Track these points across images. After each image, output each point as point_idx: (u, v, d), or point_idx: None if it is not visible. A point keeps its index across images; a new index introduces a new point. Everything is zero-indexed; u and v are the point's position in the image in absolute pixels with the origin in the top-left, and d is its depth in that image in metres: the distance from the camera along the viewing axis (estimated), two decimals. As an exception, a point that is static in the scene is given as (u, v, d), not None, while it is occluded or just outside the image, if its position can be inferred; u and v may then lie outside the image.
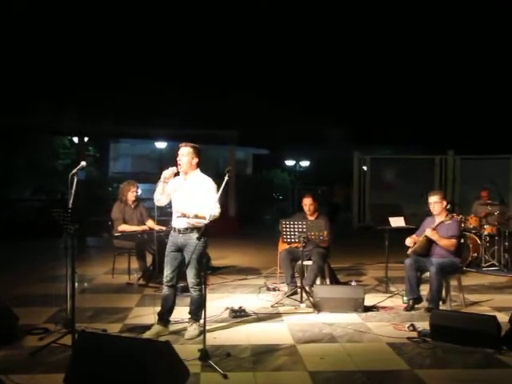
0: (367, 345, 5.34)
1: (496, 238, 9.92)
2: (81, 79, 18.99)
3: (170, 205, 5.71)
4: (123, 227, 8.20)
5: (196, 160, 5.53)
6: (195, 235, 5.26)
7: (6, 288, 7.55)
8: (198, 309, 5.50)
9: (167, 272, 5.57)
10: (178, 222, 5.51)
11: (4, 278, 8.41)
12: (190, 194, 5.47)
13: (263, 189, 26.04)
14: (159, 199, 5.60)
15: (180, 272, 5.62)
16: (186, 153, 5.48)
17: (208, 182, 5.53)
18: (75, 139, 19.94)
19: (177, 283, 5.69)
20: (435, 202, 6.78)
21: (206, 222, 4.95)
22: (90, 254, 11.84)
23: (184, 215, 5.39)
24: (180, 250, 5.51)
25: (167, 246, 5.62)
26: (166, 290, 5.61)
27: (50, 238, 8.57)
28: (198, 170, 5.59)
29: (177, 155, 5.54)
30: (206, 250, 5.60)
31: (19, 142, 18.62)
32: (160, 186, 5.48)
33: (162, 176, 5.42)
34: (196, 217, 5.26)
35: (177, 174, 5.54)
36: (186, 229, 5.43)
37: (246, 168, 33.61)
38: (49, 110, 17.16)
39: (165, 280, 5.60)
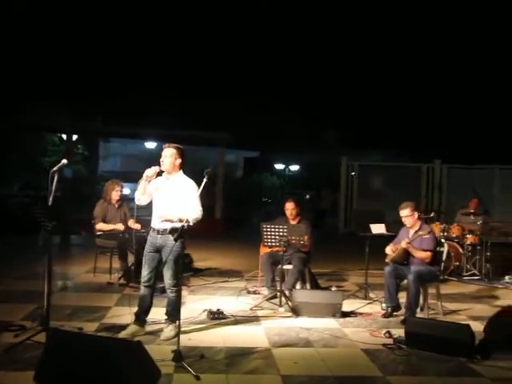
0: (342, 350, 5.37)
1: (478, 247, 9.99)
2: (73, 77, 18.98)
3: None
4: (100, 226, 8.19)
5: (179, 161, 5.54)
6: (173, 237, 5.26)
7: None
8: (174, 310, 5.50)
9: (145, 272, 5.58)
10: (157, 223, 5.52)
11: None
12: (171, 194, 5.47)
13: (252, 192, 26.10)
14: (140, 198, 5.61)
15: (158, 272, 5.62)
16: (169, 154, 5.50)
17: (190, 184, 5.53)
18: (64, 137, 19.91)
19: (154, 284, 5.69)
20: (406, 215, 6.80)
21: (185, 224, 4.95)
22: (72, 252, 11.81)
23: (168, 220, 5.40)
24: (158, 250, 5.51)
25: (145, 247, 5.63)
26: (143, 290, 5.61)
27: (37, 234, 8.55)
28: (181, 171, 5.61)
29: (160, 156, 5.56)
30: (183, 252, 5.60)
31: (9, 138, 18.56)
32: (142, 184, 5.48)
33: (144, 174, 5.42)
34: (180, 220, 5.26)
35: (159, 174, 5.54)
36: (165, 230, 5.44)
37: (237, 170, 33.63)
38: (40, 108, 17.13)
39: (142, 280, 5.60)
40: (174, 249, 5.26)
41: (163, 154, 5.52)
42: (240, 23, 21.33)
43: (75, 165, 19.98)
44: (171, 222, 5.38)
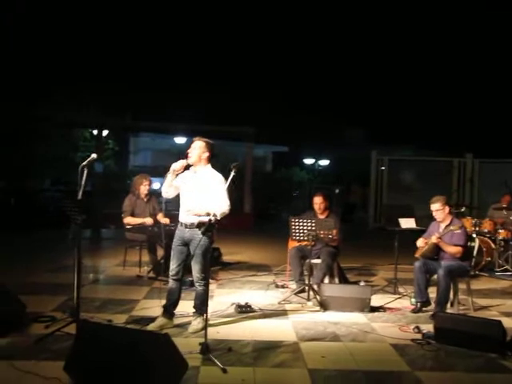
0: (370, 345, 5.33)
1: (510, 242, 9.83)
2: (102, 73, 19.16)
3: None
4: (128, 220, 8.26)
5: (207, 154, 5.55)
6: (201, 231, 5.29)
7: (19, 276, 7.66)
8: (202, 303, 5.53)
9: (173, 265, 5.61)
10: (185, 217, 5.55)
11: (18, 267, 8.54)
12: (198, 188, 5.49)
13: (281, 186, 26.04)
14: (167, 191, 5.64)
15: (186, 266, 5.65)
16: (197, 146, 5.53)
17: (217, 178, 5.54)
18: (95, 132, 20.14)
19: (182, 277, 5.72)
20: (437, 209, 6.72)
21: (213, 218, 4.96)
22: (103, 246, 11.96)
23: (196, 214, 5.42)
24: (186, 244, 5.55)
25: (174, 240, 5.66)
26: (171, 284, 5.65)
27: (68, 228, 8.71)
28: (209, 165, 5.62)
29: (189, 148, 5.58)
30: (211, 245, 5.62)
31: (40, 134, 18.83)
32: (169, 177, 5.50)
33: (171, 168, 5.45)
34: (208, 214, 5.27)
35: (187, 168, 5.56)
36: (192, 223, 5.47)
37: (266, 165, 33.59)
38: (71, 103, 17.35)
39: (171, 273, 5.64)
40: (202, 242, 5.30)
41: (192, 146, 5.56)
42: (269, 21, 21.34)
43: (106, 160, 20.23)
44: (199, 215, 5.40)
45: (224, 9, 21.06)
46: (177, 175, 5.52)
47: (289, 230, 7.21)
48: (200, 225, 5.31)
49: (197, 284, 5.57)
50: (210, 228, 4.95)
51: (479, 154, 17.54)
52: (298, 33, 22.32)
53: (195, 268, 5.50)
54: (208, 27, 21.59)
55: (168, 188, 5.59)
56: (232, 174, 5.04)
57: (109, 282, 8.03)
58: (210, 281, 5.67)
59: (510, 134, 20.42)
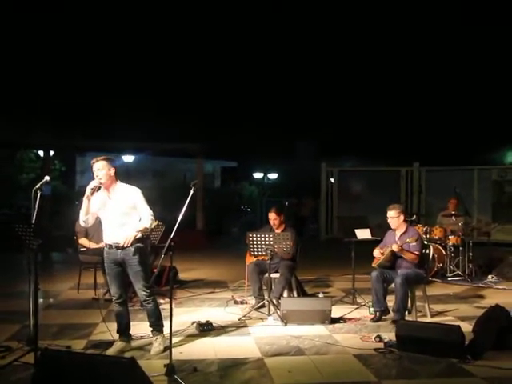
0: (335, 357, 5.35)
1: (460, 248, 10.09)
2: (49, 92, 18.83)
3: None
4: (83, 241, 8.08)
5: (113, 170, 5.35)
6: (134, 248, 5.28)
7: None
8: (157, 319, 5.48)
9: (114, 290, 5.48)
10: (112, 238, 5.39)
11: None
12: (117, 210, 5.33)
13: (231, 201, 26.05)
14: (85, 220, 5.39)
15: (126, 287, 5.60)
16: (101, 166, 5.28)
17: (133, 193, 5.40)
18: (41, 153, 19.68)
19: (126, 299, 5.65)
20: (392, 216, 6.87)
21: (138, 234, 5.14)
22: (54, 270, 11.64)
23: (128, 244, 5.28)
24: (121, 265, 5.41)
25: (106, 265, 5.50)
26: (117, 308, 5.53)
27: (14, 252, 8.42)
28: (119, 181, 5.44)
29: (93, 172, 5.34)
30: (147, 260, 5.55)
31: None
32: (84, 203, 5.29)
33: (87, 190, 5.25)
34: (140, 232, 5.28)
35: (98, 188, 5.36)
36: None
37: (214, 180, 33.58)
38: (15, 124, 16.94)
39: (114, 298, 5.51)
40: (139, 259, 5.28)
41: (95, 168, 5.29)
42: (224, 35, 21.45)
43: (53, 181, 19.78)
44: (133, 241, 5.28)
45: (176, 25, 21.08)
46: (89, 200, 5.31)
47: (246, 245, 7.20)
48: (134, 242, 5.28)
49: (145, 303, 5.47)
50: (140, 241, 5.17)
51: (425, 163, 17.96)
52: (244, 47, 22.48)
53: (138, 286, 5.40)
54: (153, 42, 21.53)
55: (85, 216, 5.35)
56: (191, 191, 4.99)
57: (64, 306, 7.79)
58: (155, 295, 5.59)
59: (455, 142, 21.05)
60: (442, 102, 22.42)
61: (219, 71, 22.92)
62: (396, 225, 6.88)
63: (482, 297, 8.44)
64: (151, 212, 5.36)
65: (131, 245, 5.28)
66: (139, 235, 5.26)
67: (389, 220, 6.91)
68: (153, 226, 5.49)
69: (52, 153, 18.94)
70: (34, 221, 5.09)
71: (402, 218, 6.88)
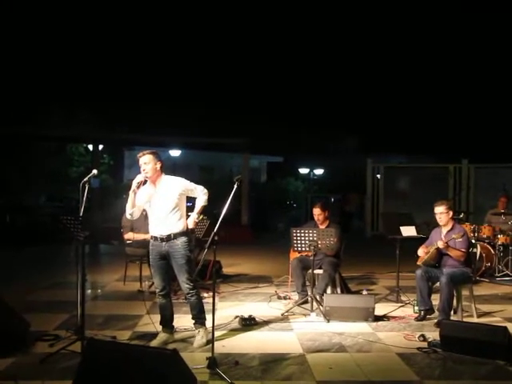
0: (377, 355, 5.32)
1: (510, 247, 9.84)
2: (97, 88, 19.19)
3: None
4: (129, 235, 8.22)
5: (160, 164, 5.43)
6: (179, 241, 5.36)
7: (19, 294, 7.60)
8: (199, 312, 5.54)
9: (158, 282, 5.57)
10: (157, 231, 5.47)
11: (17, 284, 8.47)
12: (163, 203, 5.40)
13: (277, 197, 26.04)
14: (131, 213, 5.48)
15: (170, 279, 5.68)
16: (147, 160, 5.37)
17: (177, 182, 5.49)
18: (90, 147, 20.10)
19: (170, 291, 5.74)
20: (441, 212, 6.72)
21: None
22: (102, 261, 11.90)
23: (196, 223, 5.47)
24: (165, 258, 5.48)
25: (151, 257, 5.58)
26: (161, 300, 5.62)
27: (64, 244, 8.65)
28: (163, 174, 5.50)
29: (140, 165, 5.42)
30: (191, 253, 5.60)
31: (35, 149, 18.79)
32: (130, 197, 5.38)
33: (133, 184, 5.33)
34: (202, 209, 5.53)
35: (145, 182, 5.44)
36: (169, 236, 5.41)
37: (260, 176, 33.61)
38: (65, 118, 17.34)
39: (157, 291, 5.60)
40: (183, 252, 5.35)
41: (141, 162, 5.37)
42: (258, 32, 21.47)
43: (101, 174, 20.19)
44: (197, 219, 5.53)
45: (213, 22, 21.20)
46: (135, 193, 5.39)
47: (289, 240, 7.20)
48: (177, 235, 5.42)
49: (188, 295, 5.53)
50: (187, 234, 5.40)
51: (474, 160, 17.58)
52: (289, 44, 22.45)
53: (181, 279, 5.46)
54: (201, 41, 21.70)
55: (131, 209, 5.45)
56: (235, 186, 5.01)
57: (110, 297, 7.96)
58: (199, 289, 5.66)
59: (505, 138, 20.52)
60: (493, 99, 21.88)
61: (268, 67, 22.94)
62: (445, 221, 6.74)
63: (531, 298, 8.23)
64: (202, 187, 5.53)
65: (175, 238, 5.37)
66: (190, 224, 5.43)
67: (437, 216, 6.77)
68: (200, 218, 5.57)
69: (101, 147, 19.33)
70: (81, 213, 5.21)
71: (450, 214, 6.74)
